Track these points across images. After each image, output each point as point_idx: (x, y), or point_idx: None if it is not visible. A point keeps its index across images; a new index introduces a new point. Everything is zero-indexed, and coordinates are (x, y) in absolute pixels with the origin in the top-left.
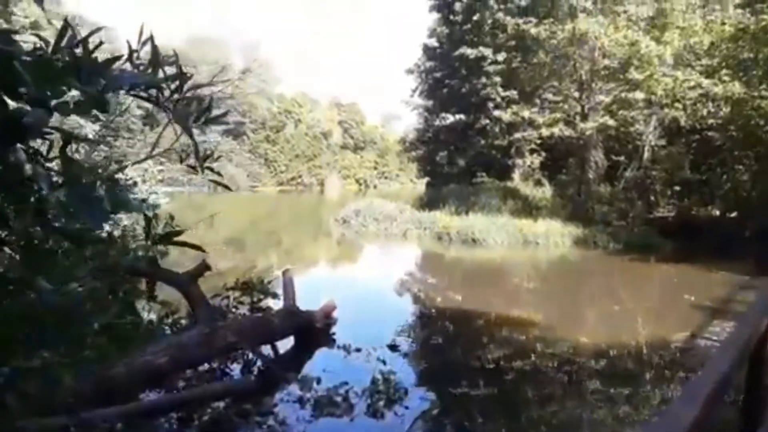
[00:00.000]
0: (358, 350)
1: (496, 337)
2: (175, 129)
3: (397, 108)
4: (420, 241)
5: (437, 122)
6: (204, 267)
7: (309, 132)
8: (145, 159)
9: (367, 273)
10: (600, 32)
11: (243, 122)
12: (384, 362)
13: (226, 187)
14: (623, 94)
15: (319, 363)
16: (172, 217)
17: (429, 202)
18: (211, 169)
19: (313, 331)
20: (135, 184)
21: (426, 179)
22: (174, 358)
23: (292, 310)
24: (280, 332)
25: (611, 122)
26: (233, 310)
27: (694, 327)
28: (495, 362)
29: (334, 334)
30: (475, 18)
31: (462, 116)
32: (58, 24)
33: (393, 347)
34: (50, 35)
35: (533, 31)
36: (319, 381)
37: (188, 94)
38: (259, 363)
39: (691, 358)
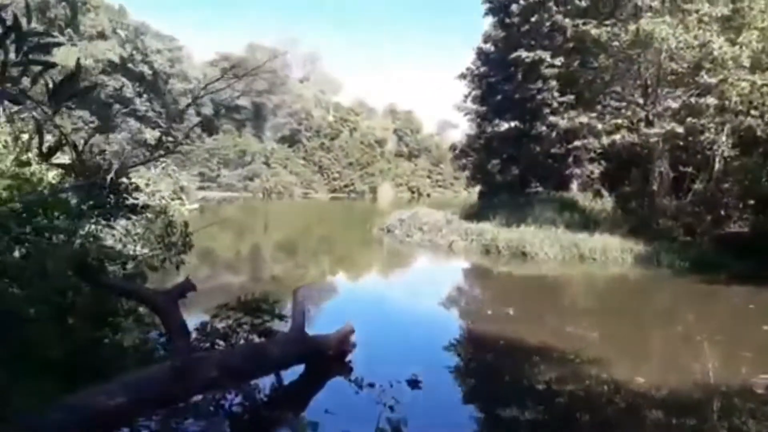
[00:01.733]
0: (371, 385)
1: (536, 374)
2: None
3: (453, 116)
4: (466, 253)
5: (490, 129)
6: (187, 286)
7: (363, 140)
8: (147, 162)
9: (403, 288)
10: (667, 33)
11: (299, 130)
12: (392, 408)
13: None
14: (693, 100)
15: (326, 399)
16: (186, 225)
17: (479, 212)
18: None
19: (325, 358)
20: (136, 188)
21: (479, 188)
22: (133, 399)
23: (297, 337)
24: (281, 362)
25: (679, 129)
26: (235, 333)
27: None
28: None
29: (350, 361)
30: (532, 20)
31: (516, 123)
32: (123, 33)
33: (414, 383)
34: (115, 43)
35: (594, 32)
36: (315, 427)
37: (246, 103)
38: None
39: None
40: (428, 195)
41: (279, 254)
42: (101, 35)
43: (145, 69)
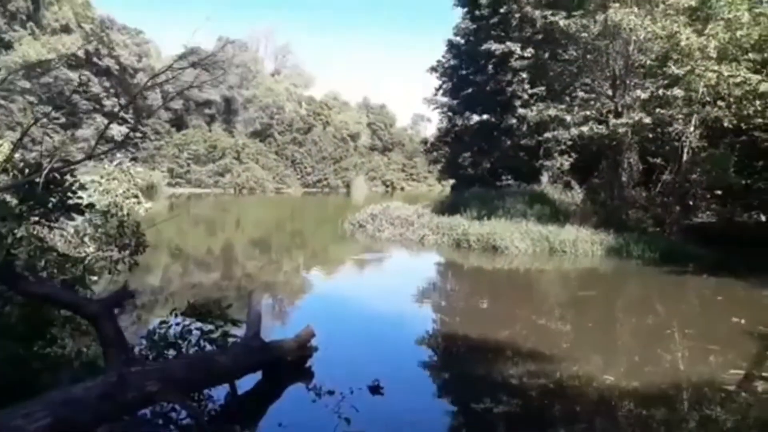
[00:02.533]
0: (331, 393)
1: (507, 371)
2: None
3: (426, 109)
4: (437, 248)
5: (461, 122)
6: (124, 294)
7: (337, 134)
8: (86, 159)
9: (370, 286)
10: (635, 23)
11: (270, 124)
12: (348, 421)
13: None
14: (661, 91)
15: (282, 410)
16: (138, 224)
17: (450, 206)
18: None
19: (284, 364)
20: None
21: (452, 181)
22: (61, 419)
23: (252, 343)
24: (235, 371)
25: (647, 119)
26: (186, 341)
27: (749, 362)
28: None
29: (310, 367)
30: (502, 11)
31: (487, 116)
32: (88, 26)
33: (375, 389)
34: (80, 37)
35: (562, 23)
36: None
37: (216, 97)
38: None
39: (748, 408)
40: (402, 189)
41: (249, 251)
42: (65, 29)
43: (111, 63)
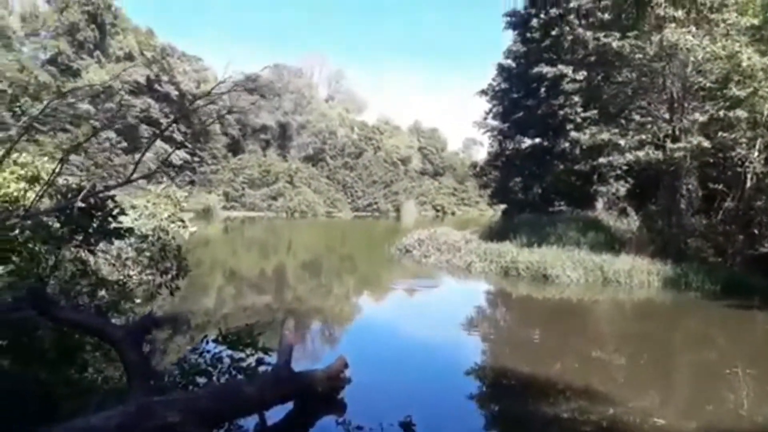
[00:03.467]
0: (360, 428)
1: (556, 408)
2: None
3: (478, 133)
4: (485, 275)
5: (512, 146)
6: (148, 321)
7: (387, 158)
8: (124, 183)
9: (413, 314)
10: (693, 44)
11: (323, 149)
12: None
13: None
14: (721, 113)
15: None
16: (179, 248)
17: (500, 232)
18: None
19: (315, 395)
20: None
21: (503, 206)
22: None
23: (279, 374)
24: (263, 401)
25: (706, 143)
26: (217, 369)
27: None
28: None
29: (343, 399)
30: (553, 33)
31: (539, 139)
32: (150, 54)
33: (407, 426)
34: (141, 64)
35: (615, 45)
36: None
37: (271, 122)
38: None
39: None
40: (453, 213)
41: (299, 274)
42: (129, 56)
43: (171, 90)
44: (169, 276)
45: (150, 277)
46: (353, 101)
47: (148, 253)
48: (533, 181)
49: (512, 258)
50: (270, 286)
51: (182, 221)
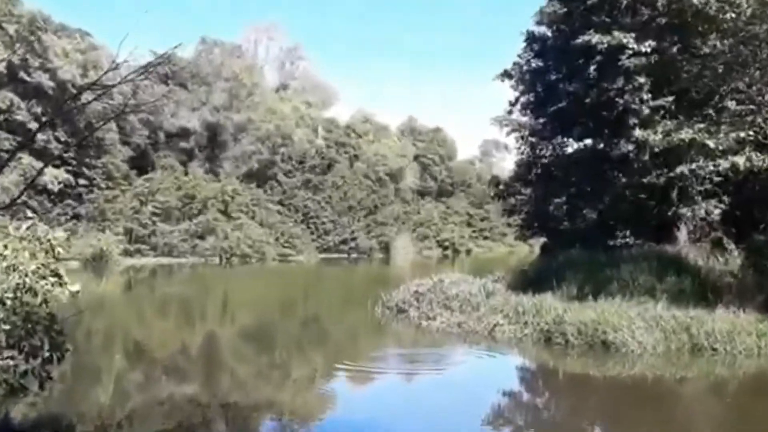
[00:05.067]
0: None
1: None
2: None
3: (499, 133)
4: (517, 344)
5: (550, 151)
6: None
7: (370, 173)
8: None
9: (413, 412)
10: None
11: (273, 161)
12: None
13: None
14: None
15: None
16: (52, 318)
17: (537, 278)
18: None
19: None
20: None
21: (541, 240)
22: None
23: None
24: None
25: None
26: None
27: None
28: None
29: None
30: None
31: (589, 141)
32: (12, 27)
33: None
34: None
35: (697, 1)
36: None
37: (195, 124)
38: None
39: None
40: (468, 252)
41: (240, 349)
42: None
43: (44, 79)
44: (39, 359)
45: (9, 363)
46: (317, 91)
47: (5, 326)
48: (584, 202)
49: (556, 317)
50: (196, 369)
51: (59, 276)
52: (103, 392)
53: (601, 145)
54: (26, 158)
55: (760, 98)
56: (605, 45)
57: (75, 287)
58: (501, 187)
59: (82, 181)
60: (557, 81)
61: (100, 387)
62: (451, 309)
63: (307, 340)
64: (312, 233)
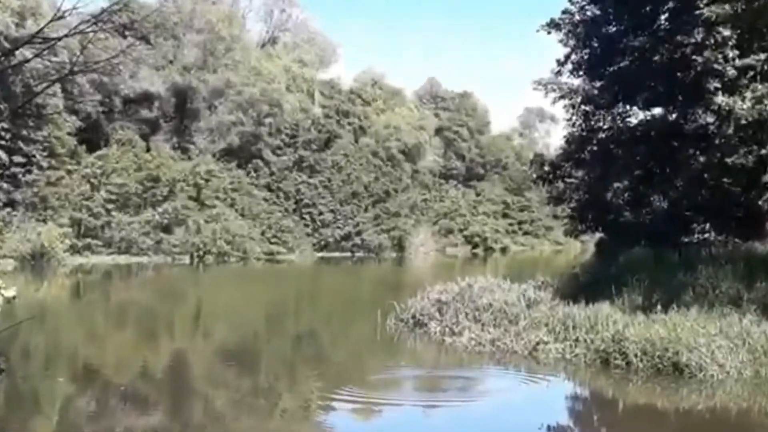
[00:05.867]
0: None
1: None
2: None
3: (543, 100)
4: (565, 366)
5: (608, 123)
6: None
7: (380, 150)
8: None
9: None
10: None
11: (257, 135)
12: None
13: None
14: None
15: None
16: None
17: (591, 284)
18: None
19: None
20: None
21: (597, 236)
22: None
23: None
24: None
25: None
26: None
27: None
28: None
29: None
30: None
31: (658, 110)
32: None
33: None
34: None
35: None
36: None
37: (159, 88)
38: None
39: None
40: (503, 250)
41: (217, 372)
42: None
43: None
44: None
45: None
46: (313, 46)
47: None
48: (651, 188)
49: (615, 333)
50: (161, 396)
51: None
52: (44, 424)
53: (674, 116)
54: None
55: None
56: None
57: (10, 292)
58: (546, 168)
59: (17, 159)
60: (618, 34)
61: (40, 418)
62: (482, 322)
63: (301, 360)
64: (307, 226)
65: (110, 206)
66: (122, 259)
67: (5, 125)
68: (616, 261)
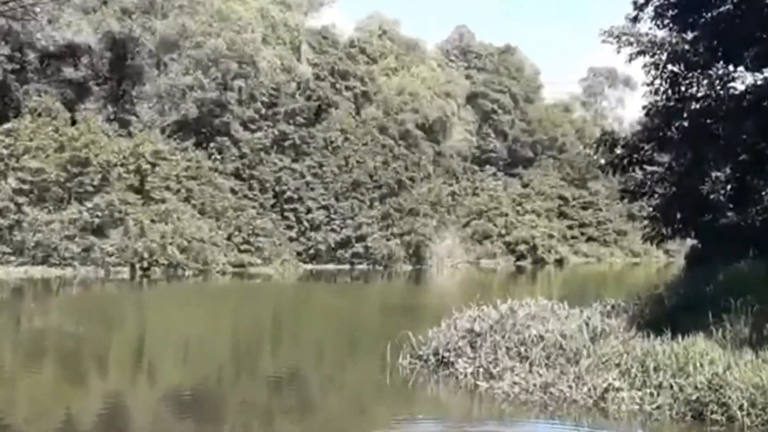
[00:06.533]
0: None
1: None
2: None
3: (617, 58)
4: (645, 421)
5: (703, 88)
6: None
7: (390, 124)
8: None
9: None
10: None
11: (221, 103)
12: None
13: None
14: None
15: None
16: None
17: (679, 309)
18: None
19: None
20: None
21: (689, 243)
22: None
23: None
24: None
25: None
26: None
27: None
28: None
29: None
30: None
31: None
32: None
33: None
34: None
35: None
36: None
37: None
38: None
39: None
40: (560, 262)
41: (163, 429)
42: None
43: None
44: None
45: None
46: None
47: None
48: (762, 179)
49: (714, 377)
50: None
51: None
52: None
53: None
54: None
55: None
56: None
57: None
58: (618, 151)
59: None
60: None
61: None
62: (529, 361)
63: (280, 411)
64: (290, 228)
65: (21, 200)
66: (38, 272)
67: None
68: (715, 278)
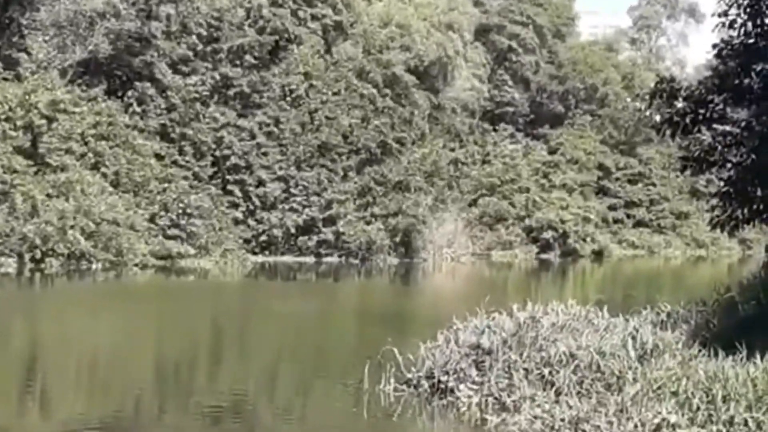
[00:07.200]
0: None
1: None
2: None
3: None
4: None
5: None
6: None
7: (372, 67)
8: None
9: None
10: None
11: (142, 35)
12: None
13: None
14: None
15: None
16: None
17: (759, 317)
18: None
19: None
20: None
21: None
22: None
23: None
24: None
25: None
26: None
27: None
28: None
29: None
30: None
31: None
32: None
33: None
34: None
35: None
36: None
37: None
38: None
39: None
40: (598, 254)
41: None
42: None
43: None
44: None
45: None
46: None
47: None
48: None
49: None
50: None
51: None
52: None
53: None
54: None
55: None
56: None
57: None
58: (679, 104)
59: None
60: None
61: None
62: (555, 387)
63: None
64: (235, 206)
65: None
66: None
67: None
68: None
